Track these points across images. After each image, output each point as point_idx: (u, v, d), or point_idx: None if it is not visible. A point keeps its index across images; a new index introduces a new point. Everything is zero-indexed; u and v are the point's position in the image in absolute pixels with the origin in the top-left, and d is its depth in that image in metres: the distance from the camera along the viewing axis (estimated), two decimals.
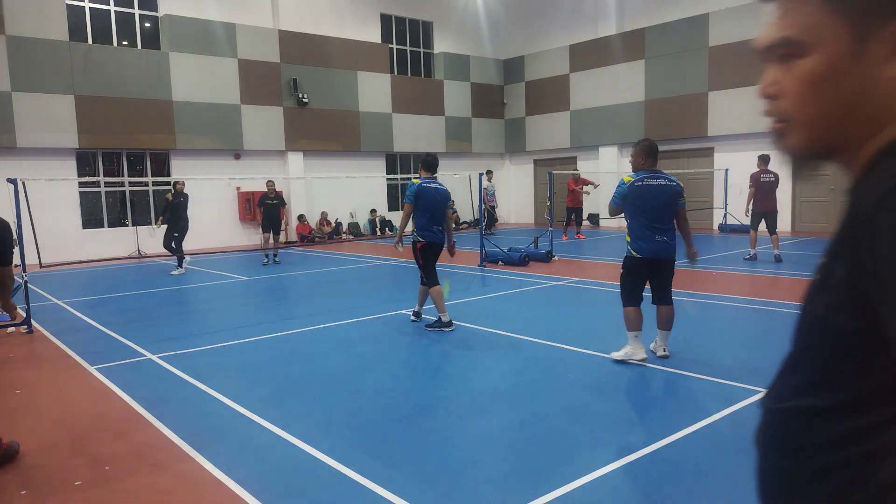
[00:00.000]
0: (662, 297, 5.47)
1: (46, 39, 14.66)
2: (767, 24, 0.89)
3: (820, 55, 0.82)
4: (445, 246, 7.12)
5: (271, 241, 13.27)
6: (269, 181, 13.36)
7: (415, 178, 7.15)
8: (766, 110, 0.90)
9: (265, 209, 13.13)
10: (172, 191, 12.54)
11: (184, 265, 12.56)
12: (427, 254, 6.90)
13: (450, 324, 6.82)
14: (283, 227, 13.97)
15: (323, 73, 19.22)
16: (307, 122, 19.00)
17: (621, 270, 5.53)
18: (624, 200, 5.34)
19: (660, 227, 5.32)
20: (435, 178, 7.06)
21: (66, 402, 4.96)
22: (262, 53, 18.08)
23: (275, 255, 13.44)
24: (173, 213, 12.30)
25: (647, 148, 5.42)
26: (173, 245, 12.38)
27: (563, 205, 17.75)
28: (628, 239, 5.45)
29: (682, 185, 5.50)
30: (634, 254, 5.36)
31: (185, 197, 12.41)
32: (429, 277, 6.91)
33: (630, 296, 5.40)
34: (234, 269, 12.71)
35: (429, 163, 7.08)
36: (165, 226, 12.63)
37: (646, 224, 5.30)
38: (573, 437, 3.92)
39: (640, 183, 5.30)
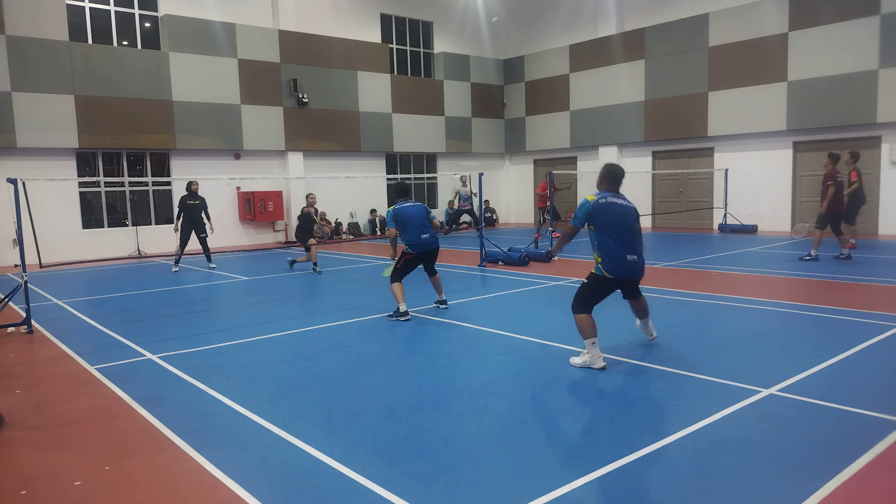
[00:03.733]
0: (633, 294, 5.76)
1: (46, 39, 14.66)
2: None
3: None
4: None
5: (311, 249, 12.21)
6: (310, 194, 12.67)
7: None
8: None
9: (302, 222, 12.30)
10: (187, 192, 12.63)
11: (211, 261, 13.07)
12: (412, 262, 7.74)
13: (406, 314, 7.49)
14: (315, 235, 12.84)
15: (323, 73, 19.22)
16: (307, 122, 19.00)
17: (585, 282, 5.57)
18: (589, 218, 5.37)
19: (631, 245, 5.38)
20: (408, 199, 7.91)
21: (66, 402, 4.96)
22: (262, 53, 18.08)
23: (315, 265, 12.01)
24: (192, 213, 12.50)
25: (605, 173, 5.59)
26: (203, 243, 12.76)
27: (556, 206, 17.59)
28: (599, 259, 5.43)
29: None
30: (607, 274, 5.36)
31: (202, 200, 12.65)
32: (397, 273, 7.71)
33: (586, 306, 5.42)
34: (234, 269, 12.71)
35: (398, 190, 8.00)
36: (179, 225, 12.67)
37: (617, 242, 5.32)
38: (573, 437, 3.92)
39: (603, 200, 5.38)
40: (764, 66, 16.96)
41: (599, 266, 5.40)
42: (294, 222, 18.81)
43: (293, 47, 18.62)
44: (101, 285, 11.37)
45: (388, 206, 7.70)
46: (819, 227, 11.20)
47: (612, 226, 5.32)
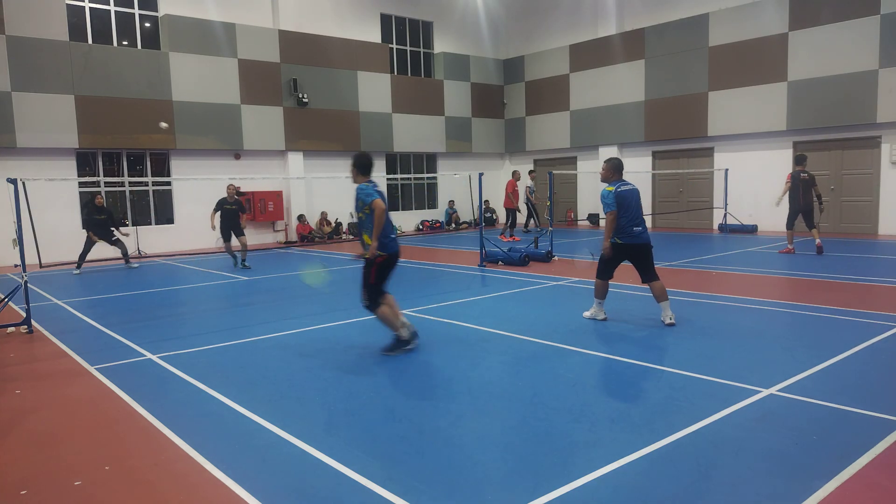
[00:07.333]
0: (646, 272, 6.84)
1: (46, 39, 14.65)
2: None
3: None
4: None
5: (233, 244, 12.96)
6: (230, 185, 13.02)
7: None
8: None
9: (224, 213, 12.75)
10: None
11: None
12: (386, 269, 5.89)
13: (410, 340, 5.96)
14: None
15: (323, 73, 19.22)
16: (307, 122, 18.99)
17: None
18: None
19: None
20: (372, 180, 6.00)
21: (66, 401, 4.96)
22: (262, 53, 18.07)
23: (243, 260, 12.95)
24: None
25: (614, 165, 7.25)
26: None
27: (557, 205, 17.60)
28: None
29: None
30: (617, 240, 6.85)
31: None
32: (379, 296, 5.88)
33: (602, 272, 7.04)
34: (234, 269, 12.71)
35: (363, 165, 5.95)
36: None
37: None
38: (573, 437, 3.92)
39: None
40: (764, 66, 16.95)
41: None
42: (294, 222, 18.85)
43: (293, 47, 18.62)
44: (101, 285, 11.37)
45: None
46: None
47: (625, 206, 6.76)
